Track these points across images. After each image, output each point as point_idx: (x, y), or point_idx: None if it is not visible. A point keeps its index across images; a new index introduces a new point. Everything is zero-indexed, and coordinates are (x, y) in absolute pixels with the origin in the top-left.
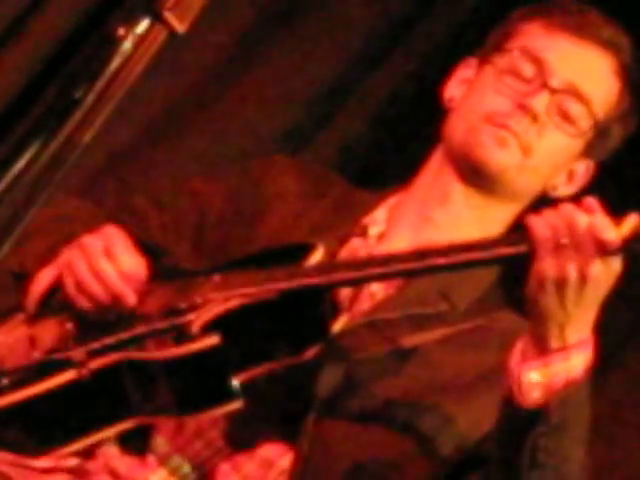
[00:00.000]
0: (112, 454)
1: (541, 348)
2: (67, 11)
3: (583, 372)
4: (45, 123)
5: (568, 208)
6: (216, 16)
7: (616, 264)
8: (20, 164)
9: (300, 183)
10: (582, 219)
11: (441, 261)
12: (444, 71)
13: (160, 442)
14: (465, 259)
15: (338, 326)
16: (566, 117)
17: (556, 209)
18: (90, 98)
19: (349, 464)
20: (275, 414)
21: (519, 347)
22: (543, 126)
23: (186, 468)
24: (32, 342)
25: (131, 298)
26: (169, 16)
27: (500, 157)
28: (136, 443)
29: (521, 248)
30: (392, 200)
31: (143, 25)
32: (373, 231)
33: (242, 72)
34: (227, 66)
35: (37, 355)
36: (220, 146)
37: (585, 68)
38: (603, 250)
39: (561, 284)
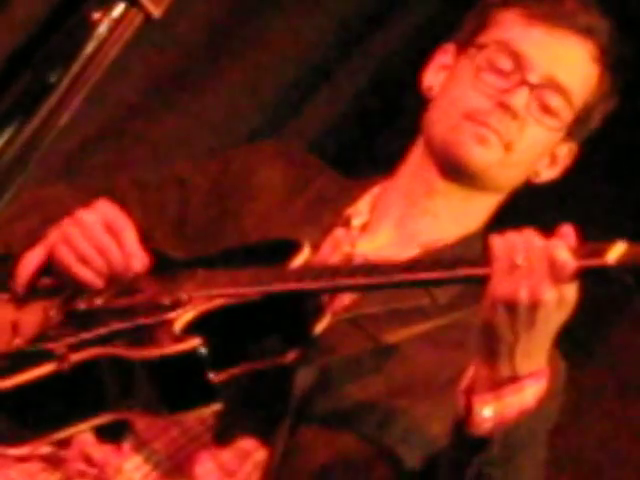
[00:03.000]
0: (87, 441)
1: (492, 377)
2: None
3: (535, 402)
4: (21, 106)
5: (529, 230)
6: (183, 10)
7: (570, 294)
8: None
9: (285, 172)
10: (539, 241)
11: (422, 276)
12: (423, 57)
13: (136, 429)
14: (430, 277)
15: (321, 327)
16: (546, 110)
17: (518, 230)
18: (65, 82)
19: (320, 469)
20: (254, 413)
21: (469, 372)
22: (524, 122)
23: (161, 456)
24: (14, 327)
25: (138, 262)
26: (145, 0)
27: (482, 155)
28: (111, 430)
29: (484, 270)
30: (375, 190)
31: (119, 9)
32: (356, 222)
33: (211, 61)
34: (197, 56)
35: (18, 342)
36: (192, 136)
37: (563, 59)
38: (557, 274)
39: (512, 305)
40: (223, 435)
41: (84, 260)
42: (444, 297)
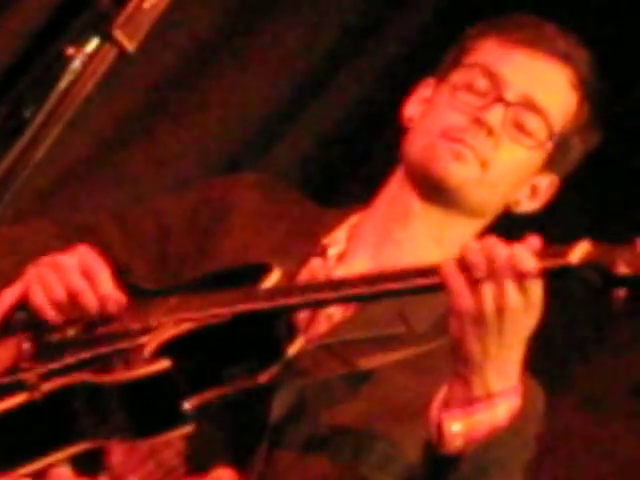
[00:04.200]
0: (64, 475)
1: (464, 395)
2: (17, 30)
3: (507, 420)
4: None
5: (488, 241)
6: (163, 35)
7: (536, 296)
8: None
9: (263, 202)
10: (500, 248)
11: (393, 286)
12: (401, 88)
13: (112, 463)
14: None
15: (294, 349)
16: (522, 129)
17: (479, 240)
18: (40, 117)
19: None
20: (229, 438)
21: (442, 392)
22: (499, 139)
23: None
24: None
25: (112, 306)
26: (119, 35)
27: (458, 171)
28: (88, 464)
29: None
30: (353, 219)
31: (92, 44)
32: (333, 251)
33: (189, 92)
34: (175, 84)
35: None
36: (169, 167)
37: (540, 80)
38: (520, 277)
39: (479, 317)
40: (199, 466)
41: (55, 303)
42: (421, 326)
